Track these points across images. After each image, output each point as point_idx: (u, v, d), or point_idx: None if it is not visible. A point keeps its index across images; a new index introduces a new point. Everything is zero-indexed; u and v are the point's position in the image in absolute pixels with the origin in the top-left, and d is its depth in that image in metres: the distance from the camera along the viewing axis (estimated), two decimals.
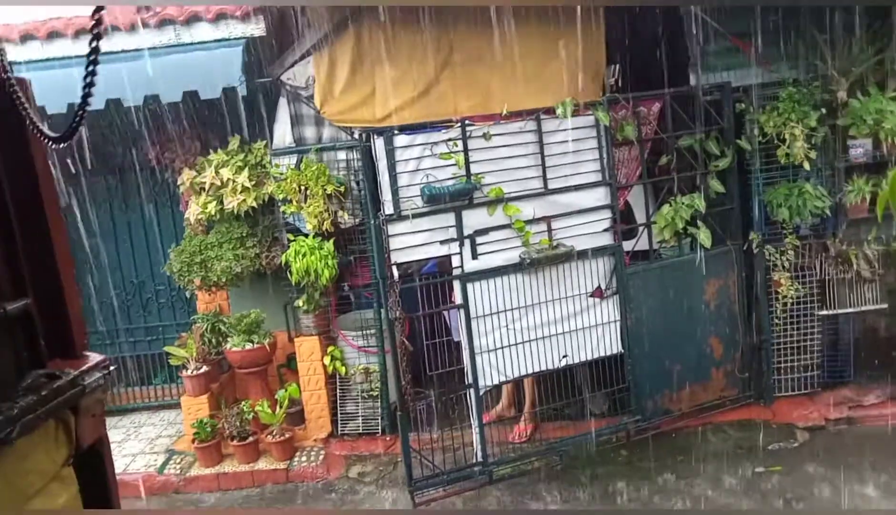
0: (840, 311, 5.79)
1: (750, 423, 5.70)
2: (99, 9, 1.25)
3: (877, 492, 4.75)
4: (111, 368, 1.38)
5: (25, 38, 5.44)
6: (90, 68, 1.26)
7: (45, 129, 1.29)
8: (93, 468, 1.37)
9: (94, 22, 1.25)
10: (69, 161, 5.76)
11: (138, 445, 6.32)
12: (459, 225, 5.11)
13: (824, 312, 5.78)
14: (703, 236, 5.54)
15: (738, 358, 5.84)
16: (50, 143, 1.30)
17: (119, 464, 5.87)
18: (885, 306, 5.74)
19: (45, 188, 1.25)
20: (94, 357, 1.35)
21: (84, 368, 1.30)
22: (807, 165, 5.45)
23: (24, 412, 1.11)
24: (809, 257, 5.69)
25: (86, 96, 1.27)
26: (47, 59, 5.32)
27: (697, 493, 4.94)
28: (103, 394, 1.38)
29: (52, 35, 5.42)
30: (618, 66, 6.80)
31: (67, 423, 1.27)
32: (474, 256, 5.17)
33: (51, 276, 1.29)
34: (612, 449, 5.52)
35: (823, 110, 5.45)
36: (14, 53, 5.28)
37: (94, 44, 1.25)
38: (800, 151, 5.39)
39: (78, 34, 5.37)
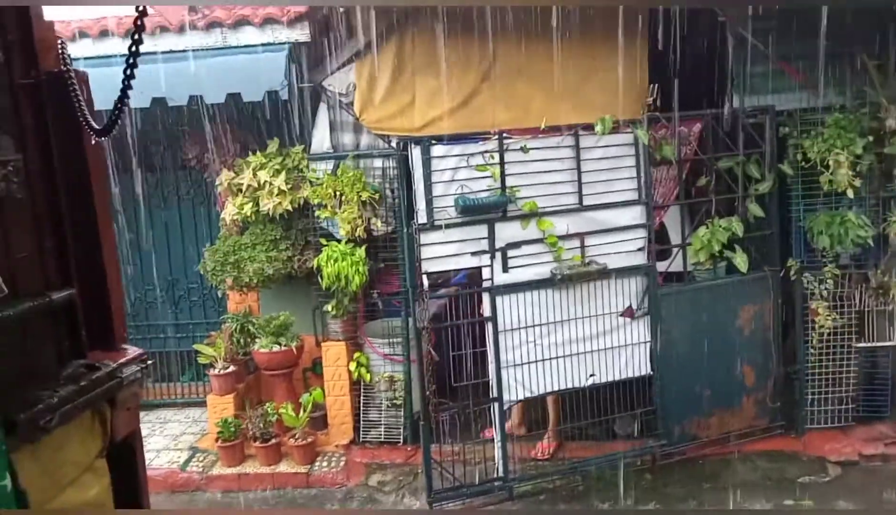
0: (878, 344, 5.62)
1: (780, 454, 5.55)
2: (143, 12, 1.27)
3: None
4: (148, 362, 1.39)
5: (78, 35, 5.59)
6: (130, 65, 1.28)
7: (93, 122, 1.31)
8: (125, 461, 1.38)
9: (137, 23, 1.27)
10: (111, 157, 5.88)
11: (163, 441, 6.39)
12: (492, 237, 5.09)
13: (862, 344, 5.62)
14: (740, 260, 5.44)
15: (771, 387, 5.70)
16: (93, 134, 1.32)
17: None
18: None
19: (97, 183, 1.27)
20: (133, 351, 1.37)
21: (122, 360, 1.32)
22: (850, 193, 5.31)
23: (64, 401, 1.13)
24: (849, 288, 5.54)
25: (124, 92, 1.29)
26: (98, 57, 5.44)
27: None
28: (139, 388, 1.39)
29: (104, 33, 5.56)
30: (657, 85, 6.74)
31: (104, 415, 1.28)
32: (505, 269, 5.14)
33: (96, 269, 1.31)
34: (636, 472, 5.42)
35: (870, 138, 5.32)
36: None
37: (133, 46, 1.27)
38: (844, 178, 5.27)
39: (128, 33, 5.48)
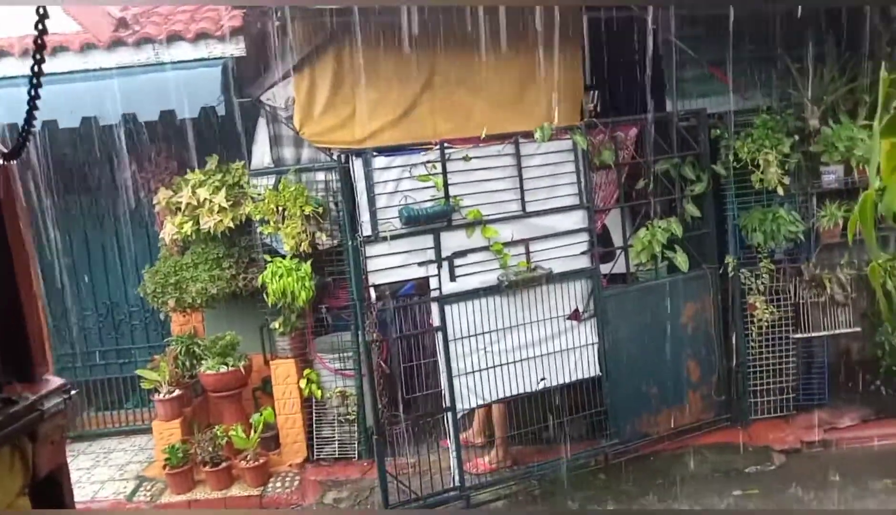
0: (814, 334, 5.85)
1: (727, 446, 5.70)
2: (43, 16, 1.21)
3: None
4: (72, 392, 1.33)
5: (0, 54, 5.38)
6: (35, 74, 1.23)
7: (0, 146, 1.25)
8: (50, 497, 1.31)
9: (38, 26, 1.21)
10: (41, 179, 5.67)
11: (108, 471, 6.15)
12: (437, 247, 5.10)
13: (799, 335, 5.83)
14: (680, 259, 5.59)
15: (715, 381, 5.86)
16: None
17: (88, 491, 5.70)
18: (858, 329, 5.81)
19: (6, 205, 1.21)
20: (55, 381, 1.31)
21: (43, 392, 1.26)
22: (781, 191, 5.53)
23: None
24: (784, 281, 5.75)
25: (31, 110, 1.24)
26: (23, 76, 5.25)
27: None
28: (63, 419, 1.33)
29: (25, 53, 5.36)
30: (596, 91, 6.90)
31: (24, 450, 1.22)
32: (452, 278, 5.15)
33: (10, 296, 1.25)
34: (590, 473, 5.49)
35: (797, 137, 5.56)
36: None
37: (37, 53, 1.21)
38: (774, 176, 5.48)
39: (54, 51, 5.31)
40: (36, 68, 1.15)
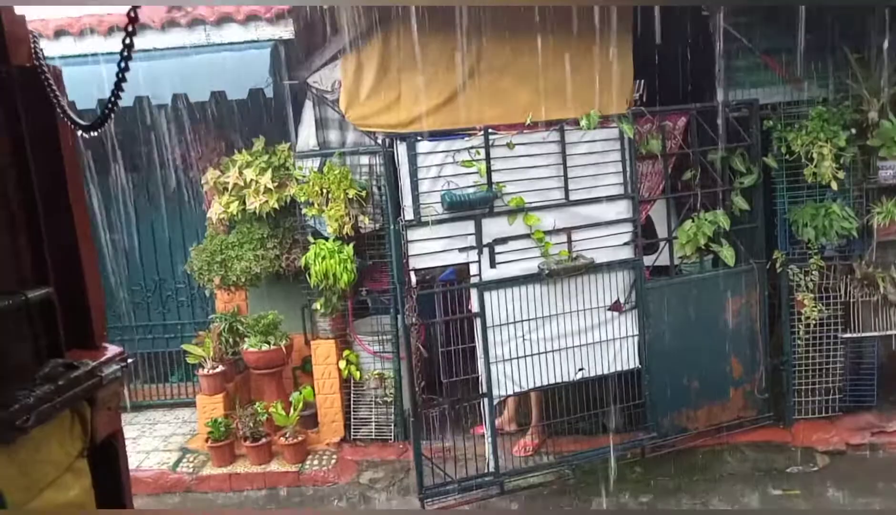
0: (864, 334, 5.67)
1: (768, 445, 5.59)
2: (134, 8, 1.26)
3: None
4: (129, 360, 1.38)
5: (59, 33, 5.53)
6: (122, 63, 1.27)
7: (76, 118, 1.29)
8: (107, 461, 1.36)
9: (129, 20, 1.26)
10: (95, 156, 5.83)
11: (152, 442, 6.35)
12: (479, 233, 5.09)
13: (848, 335, 5.67)
14: (726, 253, 5.47)
15: (758, 378, 5.74)
16: (80, 131, 1.30)
17: (133, 461, 5.90)
18: None
19: (71, 178, 1.25)
20: (113, 349, 1.35)
21: (102, 359, 1.30)
22: (834, 186, 5.35)
23: (41, 401, 1.11)
24: (834, 279, 5.59)
25: (117, 89, 1.27)
26: (79, 56, 5.39)
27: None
28: (120, 387, 1.37)
29: (85, 32, 5.51)
30: (643, 80, 6.76)
31: (83, 414, 1.27)
32: (493, 264, 5.14)
33: (73, 266, 1.29)
34: (626, 465, 5.44)
35: (853, 130, 5.37)
36: (48, 49, 5.36)
37: (127, 41, 1.26)
38: (827, 170, 5.31)
39: (110, 31, 5.44)
40: (123, 63, 1.19)
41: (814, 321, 5.58)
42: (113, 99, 1.27)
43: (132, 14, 1.22)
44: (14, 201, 1.18)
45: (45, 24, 5.52)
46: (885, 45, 5.31)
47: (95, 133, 1.32)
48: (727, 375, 5.66)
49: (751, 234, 5.65)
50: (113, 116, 1.29)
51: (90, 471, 1.31)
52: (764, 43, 5.43)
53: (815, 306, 5.53)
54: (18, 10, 1.26)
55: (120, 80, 1.25)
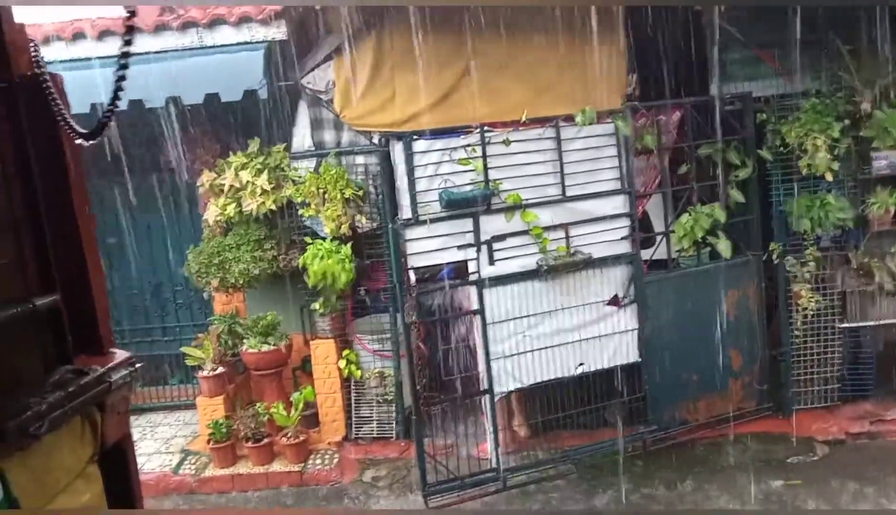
0: (861, 324, 5.70)
1: (768, 435, 5.62)
2: (132, 12, 1.26)
3: None
4: (137, 365, 1.38)
5: (51, 38, 5.51)
6: (121, 69, 1.27)
7: (76, 126, 1.30)
8: (117, 465, 1.37)
9: (127, 25, 1.26)
10: (90, 161, 5.82)
11: (154, 444, 6.35)
12: (477, 231, 5.10)
13: (845, 324, 5.70)
14: (723, 245, 5.49)
15: (757, 370, 5.77)
16: (79, 139, 1.31)
17: None
18: None
19: (75, 185, 1.26)
20: (121, 354, 1.36)
21: (111, 365, 1.31)
22: (829, 177, 5.37)
23: (52, 408, 1.12)
24: (831, 269, 5.61)
25: (116, 94, 1.28)
26: (72, 60, 5.37)
27: (715, 505, 4.87)
28: (129, 391, 1.38)
29: (77, 36, 5.49)
30: (636, 75, 6.76)
31: (94, 420, 1.27)
32: (491, 262, 5.15)
33: (79, 273, 1.30)
34: (627, 459, 5.46)
35: (847, 122, 5.38)
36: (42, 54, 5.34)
37: (125, 47, 1.26)
38: (822, 162, 5.32)
39: (102, 35, 5.42)
40: (122, 68, 1.20)
41: (811, 312, 5.60)
42: (111, 106, 1.28)
43: (129, 22, 1.23)
44: (19, 210, 1.18)
45: (36, 29, 5.50)
46: (877, 36, 5.33)
47: (95, 141, 1.32)
48: (726, 367, 5.68)
49: (747, 226, 5.67)
50: (111, 118, 1.30)
51: (102, 475, 1.32)
52: (757, 36, 5.45)
53: (812, 297, 5.56)
54: (17, 14, 1.26)
55: (117, 89, 1.25)
